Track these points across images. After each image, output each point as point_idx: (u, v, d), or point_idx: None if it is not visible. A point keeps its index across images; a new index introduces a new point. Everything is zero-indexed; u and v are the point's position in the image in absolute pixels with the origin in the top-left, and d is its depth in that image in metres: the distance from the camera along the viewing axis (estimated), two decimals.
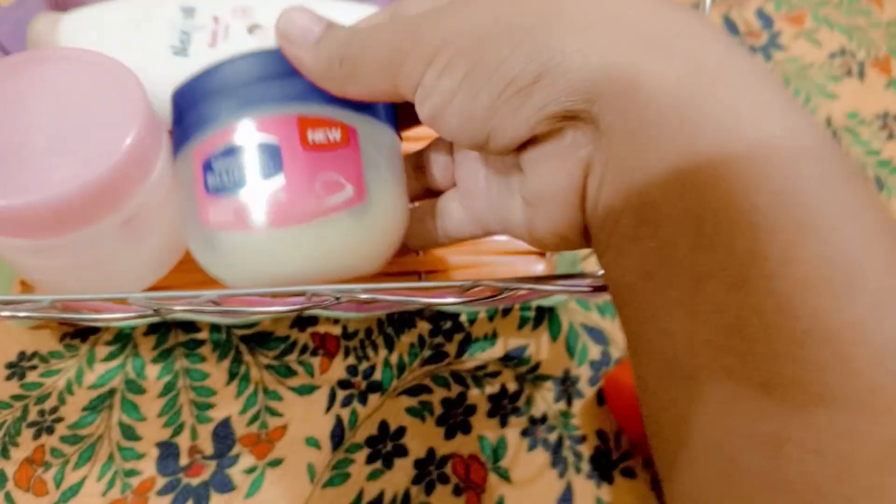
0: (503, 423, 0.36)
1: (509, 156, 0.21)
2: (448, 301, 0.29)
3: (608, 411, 0.37)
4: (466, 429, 0.35)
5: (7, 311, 0.27)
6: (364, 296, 0.27)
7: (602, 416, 0.36)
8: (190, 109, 0.25)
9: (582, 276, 0.28)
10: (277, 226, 0.24)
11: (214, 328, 0.36)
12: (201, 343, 0.36)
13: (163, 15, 0.38)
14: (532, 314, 0.39)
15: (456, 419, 0.36)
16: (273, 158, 0.23)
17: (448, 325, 0.38)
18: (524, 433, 0.36)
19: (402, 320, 0.38)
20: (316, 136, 0.24)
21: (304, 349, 0.36)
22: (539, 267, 0.40)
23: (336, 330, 0.37)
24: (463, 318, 0.38)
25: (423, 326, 0.38)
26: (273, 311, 0.27)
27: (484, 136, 0.19)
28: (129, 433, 0.34)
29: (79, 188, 0.25)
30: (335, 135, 0.24)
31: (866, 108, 0.49)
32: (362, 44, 0.21)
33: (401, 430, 0.35)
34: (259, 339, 0.36)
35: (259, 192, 0.24)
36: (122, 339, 0.36)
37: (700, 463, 0.15)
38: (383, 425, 0.35)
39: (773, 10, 0.54)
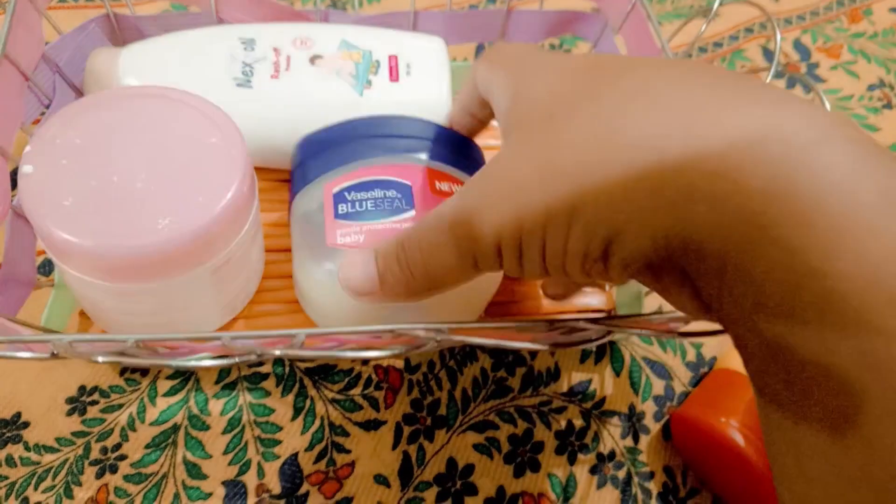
0: (571, 461, 0.35)
1: None
2: (536, 346, 0.29)
3: (674, 447, 0.36)
4: (535, 466, 0.35)
5: (84, 349, 0.26)
6: (457, 337, 0.27)
7: (669, 453, 0.36)
8: (324, 150, 0.29)
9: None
10: None
11: (277, 361, 0.36)
12: (265, 377, 0.35)
13: (222, 47, 0.37)
14: (593, 348, 0.39)
15: (524, 456, 0.35)
16: (406, 196, 0.27)
17: (510, 358, 0.38)
18: (593, 470, 0.35)
19: (463, 353, 0.38)
20: (442, 186, 0.27)
21: (368, 383, 0.36)
22: (596, 300, 0.40)
23: (399, 363, 0.37)
24: (524, 351, 0.38)
25: (485, 360, 0.38)
26: (375, 355, 0.26)
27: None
28: (194, 471, 0.33)
29: (180, 238, 0.24)
30: (458, 188, 0.27)
31: None
32: (426, 266, 0.22)
33: (469, 468, 0.34)
34: (323, 371, 0.36)
35: (392, 220, 0.27)
36: (184, 373, 0.35)
37: None
38: (451, 462, 0.34)
39: (810, 42, 0.54)
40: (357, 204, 0.27)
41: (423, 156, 0.28)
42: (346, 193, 0.27)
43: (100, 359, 0.26)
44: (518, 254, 0.20)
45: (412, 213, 0.27)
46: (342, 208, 0.27)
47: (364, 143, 0.28)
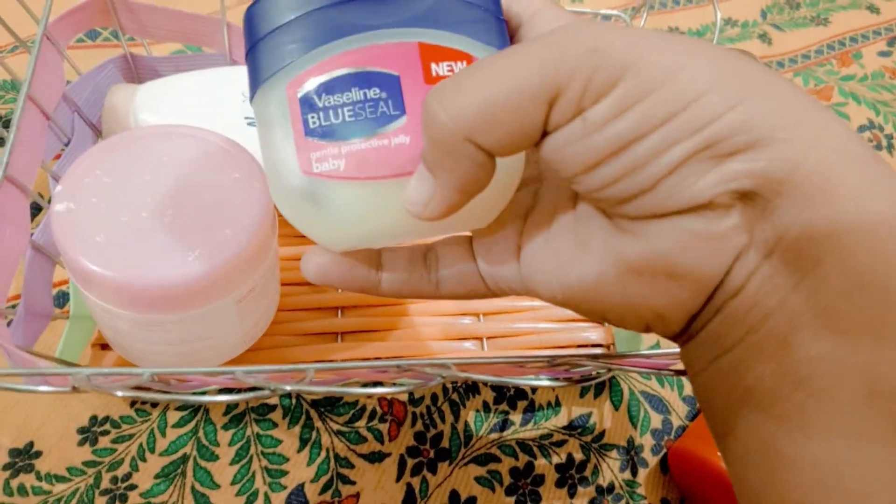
0: (571, 494, 0.36)
1: (613, 209, 0.18)
2: (547, 383, 0.29)
3: (671, 480, 0.37)
4: (536, 499, 0.36)
5: (101, 382, 0.27)
6: (462, 374, 0.28)
7: (666, 486, 0.37)
8: (279, 33, 0.20)
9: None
10: (401, 175, 0.20)
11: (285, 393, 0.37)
12: (272, 408, 0.36)
13: (235, 88, 0.39)
14: (593, 382, 0.40)
15: (525, 489, 0.36)
16: (393, 95, 0.20)
17: (511, 391, 0.39)
18: (592, 503, 0.36)
19: (466, 387, 0.38)
20: (440, 69, 0.20)
21: (372, 415, 0.37)
22: (595, 335, 0.41)
23: (403, 396, 0.38)
24: (525, 385, 0.39)
25: (487, 393, 0.38)
26: (382, 391, 0.27)
27: (636, 191, 0.17)
28: (202, 501, 0.33)
29: (211, 270, 0.26)
30: (460, 68, 0.20)
31: None
32: (499, 84, 0.17)
33: (471, 501, 0.35)
34: (329, 404, 0.37)
35: (378, 134, 0.20)
36: (193, 404, 0.36)
37: None
38: (454, 495, 0.35)
39: (802, 84, 0.56)
40: (331, 113, 0.20)
41: (409, 25, 0.20)
42: (314, 98, 0.20)
43: (119, 393, 0.27)
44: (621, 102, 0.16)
45: (403, 119, 0.20)
46: (313, 120, 0.20)
47: (330, 17, 0.20)
